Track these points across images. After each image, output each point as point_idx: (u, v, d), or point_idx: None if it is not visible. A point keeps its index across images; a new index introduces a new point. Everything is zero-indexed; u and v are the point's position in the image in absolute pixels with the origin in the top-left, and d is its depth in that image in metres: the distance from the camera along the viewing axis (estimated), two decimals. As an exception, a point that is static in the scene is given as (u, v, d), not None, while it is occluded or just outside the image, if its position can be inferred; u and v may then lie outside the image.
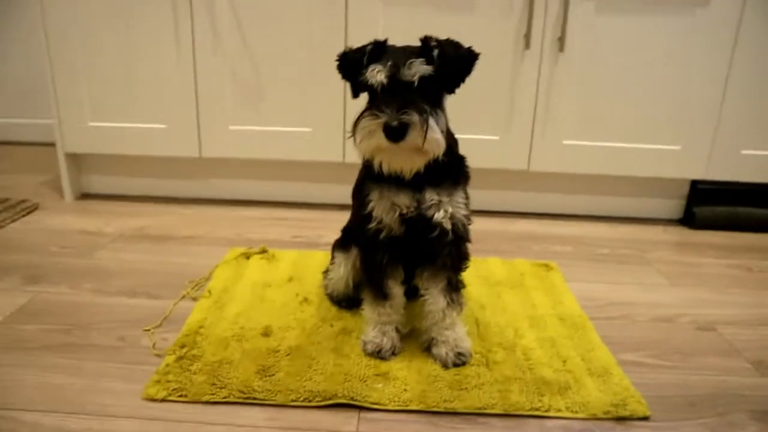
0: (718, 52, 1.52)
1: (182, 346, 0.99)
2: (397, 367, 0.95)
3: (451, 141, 0.96)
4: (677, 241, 1.59)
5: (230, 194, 1.76)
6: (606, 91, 1.56)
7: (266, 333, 1.04)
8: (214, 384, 0.89)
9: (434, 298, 0.99)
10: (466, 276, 1.26)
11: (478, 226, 1.65)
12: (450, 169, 0.95)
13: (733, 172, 1.63)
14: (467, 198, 1.00)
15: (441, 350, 0.98)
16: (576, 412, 0.86)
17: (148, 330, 1.06)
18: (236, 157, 1.66)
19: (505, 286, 1.25)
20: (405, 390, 0.89)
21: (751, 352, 1.06)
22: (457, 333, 0.99)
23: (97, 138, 1.65)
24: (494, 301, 1.18)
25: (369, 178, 0.96)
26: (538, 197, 1.72)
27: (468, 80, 1.55)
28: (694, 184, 1.69)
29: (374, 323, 1.01)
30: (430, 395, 0.88)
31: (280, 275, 1.26)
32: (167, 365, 0.93)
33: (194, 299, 1.17)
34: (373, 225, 0.95)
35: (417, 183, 0.93)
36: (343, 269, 1.09)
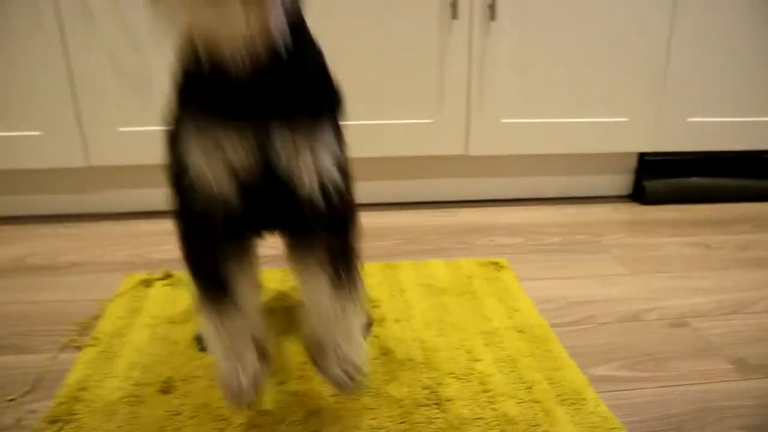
0: (658, 15, 1.40)
1: (54, 421, 0.77)
2: (327, 419, 0.77)
3: (309, 39, 0.65)
4: (630, 220, 1.48)
5: (127, 206, 1.51)
6: (544, 62, 1.41)
7: (166, 389, 0.83)
8: (91, 476, 0.68)
9: (313, 278, 0.68)
10: (407, 284, 1.11)
11: (415, 222, 1.50)
12: (309, 88, 0.62)
13: (681, 141, 1.53)
14: (341, 138, 0.67)
15: (331, 365, 0.69)
16: (550, 458, 0.71)
17: (13, 400, 0.83)
18: (131, 164, 1.42)
19: (452, 295, 1.08)
20: (341, 454, 0.72)
21: (730, 349, 0.95)
22: (355, 340, 0.69)
23: (-43, 152, 1.37)
24: (440, 316, 1.01)
25: (179, 105, 0.63)
26: (478, 183, 1.57)
27: (392, 57, 1.37)
28: (642, 157, 1.59)
29: (219, 347, 0.68)
30: (372, 457, 0.71)
31: (186, 305, 1.05)
32: (31, 454, 0.72)
33: (78, 348, 0.95)
34: (190, 190, 0.61)
35: (257, 114, 0.60)
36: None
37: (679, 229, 1.42)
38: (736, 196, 1.59)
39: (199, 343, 0.93)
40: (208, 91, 0.60)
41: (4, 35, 1.28)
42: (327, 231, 0.67)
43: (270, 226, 0.73)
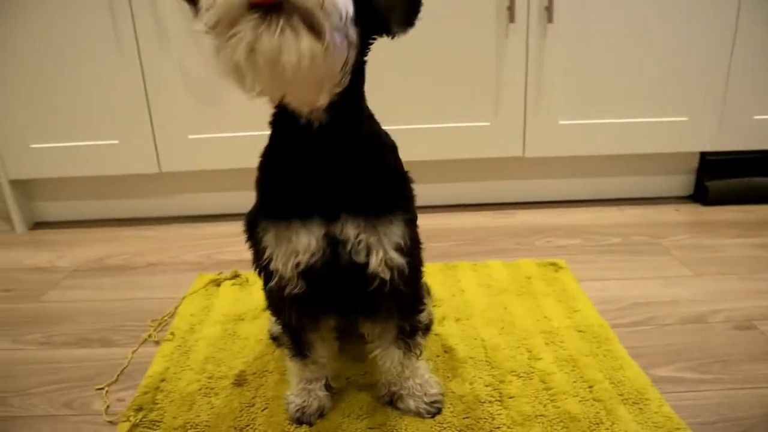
0: (722, 11, 1.37)
1: (139, 409, 0.83)
2: (394, 415, 0.80)
3: (383, 136, 0.71)
4: (692, 221, 1.45)
5: (198, 210, 1.59)
6: (602, 63, 1.40)
7: (239, 382, 0.88)
8: (175, 460, 0.74)
9: (385, 351, 0.78)
10: (466, 284, 1.13)
11: (473, 223, 1.51)
12: (381, 181, 0.68)
13: (745, 140, 1.49)
14: (411, 227, 0.71)
15: (410, 404, 0.79)
16: (613, 456, 0.72)
17: (101, 389, 0.90)
18: (200, 170, 1.49)
19: (511, 295, 1.10)
20: (407, 446, 0.74)
21: (800, 352, 0.93)
22: (422, 379, 0.80)
23: (43, 160, 1.47)
24: (500, 315, 1.03)
25: (260, 202, 0.71)
26: (536, 185, 1.57)
27: (450, 61, 1.39)
28: (704, 156, 1.55)
29: (298, 378, 0.80)
30: (437, 450, 0.74)
31: (254, 304, 1.10)
32: (121, 437, 0.78)
33: (157, 343, 1.01)
34: (274, 281, 0.69)
35: (328, 206, 0.66)
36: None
37: (743, 230, 1.38)
38: (805, 195, 1.53)
39: (275, 341, 0.97)
40: (284, 185, 0.67)
41: (86, 52, 1.38)
42: (391, 300, 0.73)
43: (342, 309, 0.80)
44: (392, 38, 0.61)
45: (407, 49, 1.36)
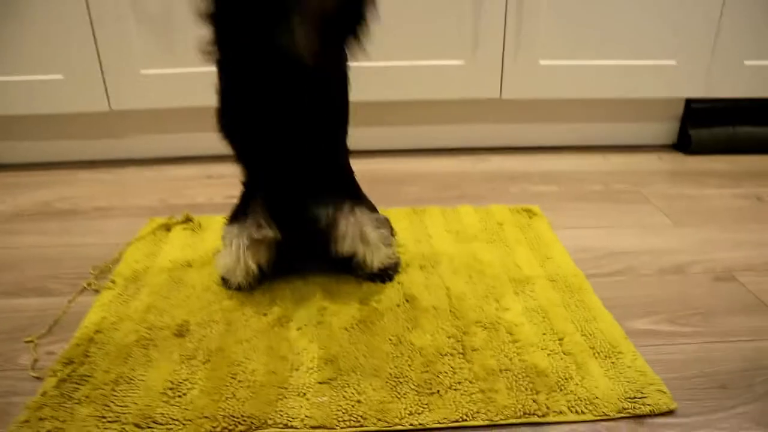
0: (717, -58, 1.27)
1: (68, 363, 0.75)
2: (345, 367, 0.73)
3: None
4: (675, 170, 1.39)
5: (153, 152, 1.48)
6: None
7: (181, 332, 0.81)
8: (102, 417, 0.66)
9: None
10: (434, 230, 1.07)
11: (445, 168, 1.43)
12: None
13: (734, 87, 1.41)
14: None
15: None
16: (581, 413, 0.66)
17: (30, 341, 0.82)
18: (154, 108, 1.38)
19: (481, 242, 1.03)
20: (358, 402, 0.68)
21: (782, 305, 0.87)
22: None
23: (-19, 96, 1.35)
24: (469, 263, 0.96)
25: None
26: (513, 129, 1.49)
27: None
28: (689, 104, 1.48)
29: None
30: (391, 407, 0.67)
31: (205, 250, 1.02)
32: (44, 394, 0.70)
33: (97, 291, 0.93)
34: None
35: None
36: (236, 252, 0.85)
37: (727, 180, 1.32)
38: (793, 145, 1.47)
39: (224, 283, 0.90)
40: None
41: (21, -28, 1.24)
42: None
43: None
44: None
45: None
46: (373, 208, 0.89)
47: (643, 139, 1.52)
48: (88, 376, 0.73)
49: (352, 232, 0.84)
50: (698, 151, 1.48)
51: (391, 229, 0.92)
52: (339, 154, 0.86)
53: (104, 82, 1.34)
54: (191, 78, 1.33)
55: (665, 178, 1.33)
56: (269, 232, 0.83)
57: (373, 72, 1.30)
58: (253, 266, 0.85)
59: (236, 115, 0.78)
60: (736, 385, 0.72)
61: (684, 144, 1.50)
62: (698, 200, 1.23)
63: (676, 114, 1.50)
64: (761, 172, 1.36)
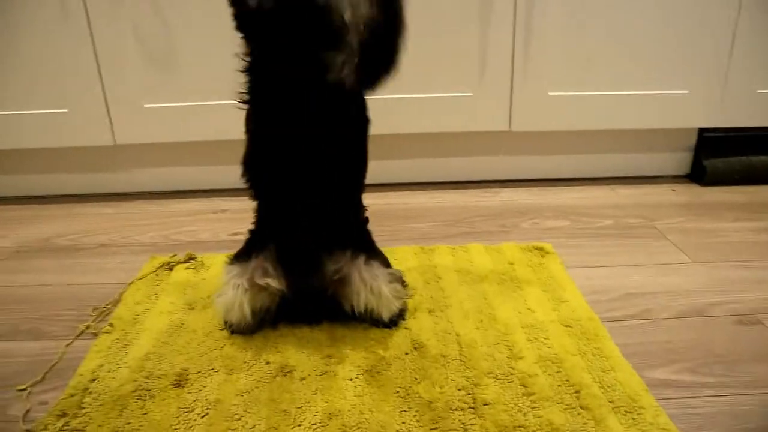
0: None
1: (61, 415, 0.72)
2: (350, 423, 0.69)
3: None
4: (689, 203, 1.35)
5: (157, 186, 1.47)
6: (597, 29, 1.28)
7: (179, 382, 0.77)
8: (93, 479, 0.63)
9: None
10: (443, 270, 1.04)
11: (454, 202, 1.40)
12: None
13: (747, 115, 1.38)
14: None
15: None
16: (602, 476, 0.62)
17: (23, 390, 0.79)
18: (158, 142, 1.37)
19: (492, 283, 0.99)
20: (364, 463, 0.64)
21: (809, 351, 0.83)
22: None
23: (-14, 130, 1.34)
24: (479, 306, 0.93)
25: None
26: (523, 161, 1.46)
27: (430, 25, 1.27)
28: (701, 133, 1.45)
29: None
30: (398, 468, 0.63)
31: (208, 291, 0.99)
32: (33, 451, 0.67)
33: (95, 335, 0.90)
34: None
35: None
36: (233, 292, 0.82)
37: (743, 213, 1.28)
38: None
39: (227, 326, 0.88)
40: None
41: (33, 17, 1.24)
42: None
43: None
44: None
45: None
46: (386, 263, 0.87)
47: (656, 170, 1.49)
48: (81, 430, 0.70)
49: (365, 288, 0.81)
50: (713, 181, 1.44)
51: (404, 282, 0.89)
52: (356, 208, 0.86)
53: (109, 115, 1.33)
54: (195, 112, 1.32)
55: (680, 211, 1.30)
56: (274, 282, 0.80)
57: (380, 104, 1.28)
58: (248, 314, 0.82)
59: (263, 159, 0.79)
60: (765, 442, 0.67)
61: (698, 174, 1.46)
62: (715, 235, 1.19)
63: (689, 144, 1.47)
64: (778, 205, 1.33)
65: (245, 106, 0.77)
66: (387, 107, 1.30)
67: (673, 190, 1.41)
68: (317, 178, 0.78)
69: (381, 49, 0.72)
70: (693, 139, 1.46)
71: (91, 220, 1.33)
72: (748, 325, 0.89)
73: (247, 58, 0.74)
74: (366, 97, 0.79)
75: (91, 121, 1.33)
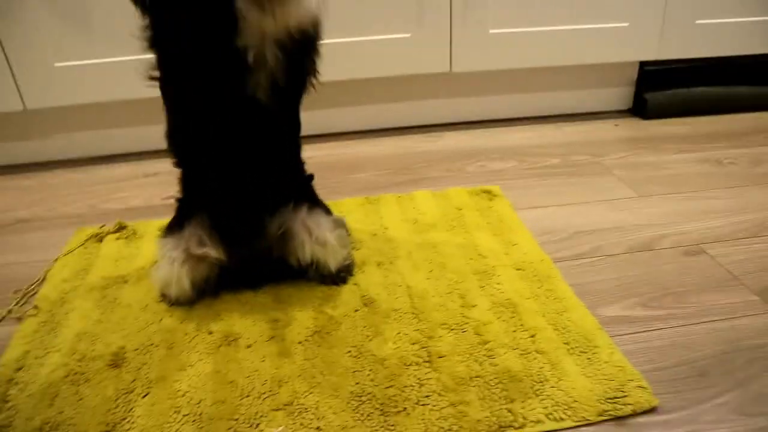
0: None
1: (-15, 410, 0.66)
2: (302, 389, 0.66)
3: None
4: (633, 137, 1.35)
5: (78, 152, 1.36)
6: (535, -40, 1.24)
7: (116, 362, 0.72)
8: (24, 476, 0.58)
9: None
10: (390, 220, 1.00)
11: (397, 149, 1.36)
12: None
13: (688, 47, 1.38)
14: None
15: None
16: (560, 419, 0.61)
17: (-60, 386, 0.72)
18: (74, 104, 1.26)
19: (441, 230, 0.97)
20: (318, 429, 0.61)
21: (752, 277, 0.84)
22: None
23: None
24: (429, 256, 0.90)
25: None
26: (465, 103, 1.42)
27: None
28: (642, 67, 1.44)
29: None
30: (354, 430, 0.61)
31: (141, 261, 0.93)
32: (-46, 453, 0.61)
33: (19, 319, 0.83)
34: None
35: None
36: (169, 266, 0.77)
37: (686, 145, 1.29)
38: (750, 105, 1.45)
39: (164, 299, 0.82)
40: None
41: None
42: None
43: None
44: None
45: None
46: (329, 211, 0.82)
47: (600, 105, 1.48)
48: (6, 426, 0.64)
49: (310, 238, 0.77)
50: (655, 114, 1.45)
51: (347, 229, 0.85)
52: (295, 165, 0.81)
53: (14, 78, 1.20)
54: (114, 68, 1.21)
55: (624, 146, 1.29)
56: (212, 251, 0.75)
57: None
58: (188, 286, 0.77)
59: (189, 134, 0.73)
60: (715, 371, 0.68)
61: (640, 108, 1.46)
62: (659, 167, 1.19)
63: (630, 78, 1.46)
64: (719, 134, 1.34)
65: (156, 83, 0.70)
66: (323, 53, 1.23)
67: (616, 125, 1.41)
68: (251, 144, 0.72)
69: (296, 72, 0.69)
70: (634, 73, 1.45)
71: (9, 194, 1.23)
72: (693, 256, 0.90)
73: (149, 32, 0.65)
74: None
75: (-4, 84, 1.20)
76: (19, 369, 0.72)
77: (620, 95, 1.48)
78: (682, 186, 1.11)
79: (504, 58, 1.32)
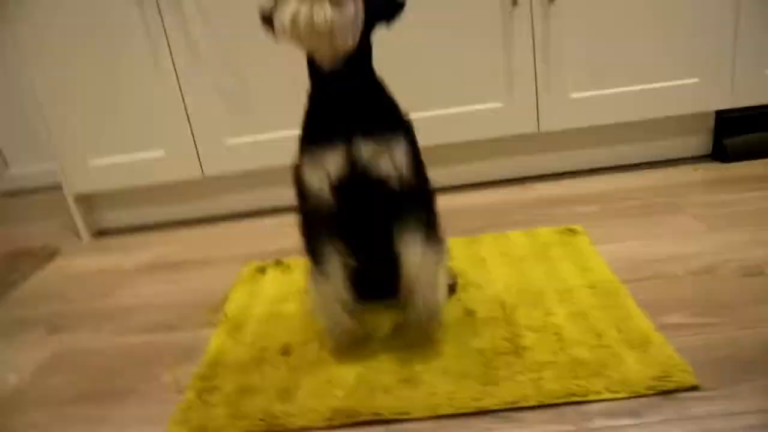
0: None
1: (202, 379, 0.96)
2: (420, 369, 0.90)
3: (387, 90, 0.91)
4: (710, 179, 1.49)
5: (241, 208, 1.73)
6: (608, 34, 1.46)
7: (286, 351, 1.00)
8: (234, 415, 0.86)
9: (405, 242, 0.89)
10: (487, 254, 1.22)
11: (495, 199, 1.59)
12: (384, 111, 0.89)
13: (758, 94, 1.51)
14: (412, 145, 0.90)
15: (416, 305, 0.91)
16: (616, 391, 0.80)
17: (170, 366, 1.04)
18: (238, 170, 1.63)
19: (530, 261, 1.18)
20: (432, 394, 0.85)
21: (806, 293, 0.98)
22: (433, 281, 0.91)
23: (101, 174, 1.64)
24: (519, 280, 1.12)
25: (300, 142, 0.90)
26: (553, 157, 1.64)
27: (461, 49, 1.47)
28: (719, 114, 1.58)
29: (317, 305, 0.96)
30: (458, 395, 0.83)
31: (296, 286, 1.22)
32: (188, 402, 0.91)
33: (214, 325, 1.14)
34: (310, 199, 0.88)
35: (347, 134, 0.85)
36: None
37: (760, 184, 1.41)
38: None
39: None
40: (316, 124, 0.88)
41: (128, 75, 1.53)
42: (410, 207, 0.90)
43: (362, 217, 0.93)
44: (387, 25, 0.85)
45: (422, 43, 1.45)
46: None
47: (680, 152, 1.62)
48: (219, 387, 0.93)
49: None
50: (734, 158, 1.57)
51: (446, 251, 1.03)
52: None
53: (197, 153, 1.60)
54: (266, 142, 1.57)
55: (700, 188, 1.44)
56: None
57: (423, 121, 1.49)
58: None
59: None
60: (757, 364, 0.83)
61: (720, 154, 1.59)
62: (731, 205, 1.32)
63: (708, 126, 1.60)
64: (795, 174, 1.45)
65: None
66: (429, 122, 1.51)
67: (695, 169, 1.56)
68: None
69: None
70: (711, 122, 1.60)
71: (190, 241, 1.60)
72: (751, 276, 1.03)
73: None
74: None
75: (183, 158, 1.60)
76: (220, 354, 1.02)
77: (699, 142, 1.62)
78: (752, 220, 1.24)
79: (585, 117, 1.53)
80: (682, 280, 1.06)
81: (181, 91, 1.54)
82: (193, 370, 1.00)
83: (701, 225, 1.25)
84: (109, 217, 1.77)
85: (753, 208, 1.30)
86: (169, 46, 1.49)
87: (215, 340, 1.07)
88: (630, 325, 0.93)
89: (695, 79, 1.49)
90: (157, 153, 1.61)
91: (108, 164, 1.62)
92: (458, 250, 1.26)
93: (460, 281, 1.12)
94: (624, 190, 1.49)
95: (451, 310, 1.04)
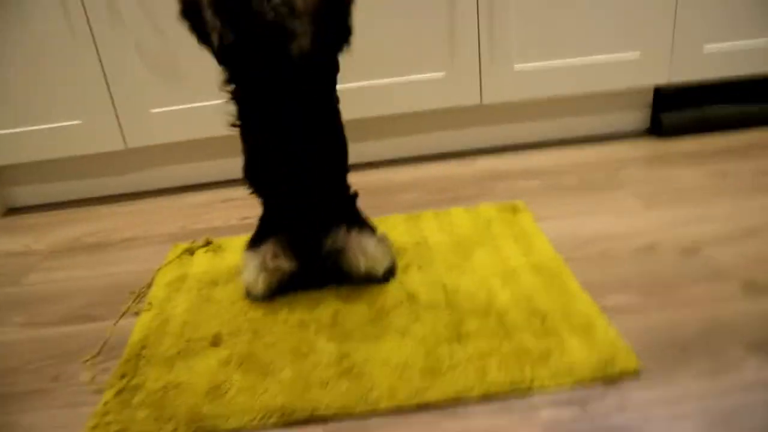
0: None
1: (122, 376, 0.88)
2: (360, 361, 0.86)
3: None
4: (648, 155, 1.50)
5: (168, 182, 1.62)
6: (553, 4, 1.42)
7: (215, 342, 0.93)
8: (158, 418, 0.79)
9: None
10: (429, 232, 1.19)
11: (435, 173, 1.55)
12: None
13: (697, 71, 1.52)
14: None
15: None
16: (562, 381, 0.78)
17: (87, 361, 0.95)
18: (165, 141, 1.51)
19: (472, 240, 1.15)
20: (371, 388, 0.80)
21: (740, 272, 0.99)
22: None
23: (10, 145, 1.48)
24: (461, 262, 1.08)
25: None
26: (496, 130, 1.61)
27: (400, 16, 1.40)
28: (657, 90, 1.59)
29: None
30: (400, 389, 0.79)
31: (227, 269, 1.15)
32: (105, 403, 0.83)
33: (136, 314, 1.06)
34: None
35: None
36: (252, 273, 1.00)
37: (696, 159, 1.43)
38: (757, 121, 1.58)
39: (248, 296, 1.04)
40: None
41: (42, 42, 1.37)
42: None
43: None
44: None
45: (358, 8, 1.36)
46: (374, 230, 1.03)
47: (618, 128, 1.63)
48: (141, 385, 0.86)
49: (360, 254, 0.98)
50: (670, 133, 1.59)
51: (389, 242, 1.06)
52: (345, 189, 1.02)
53: (119, 122, 1.47)
54: (195, 112, 1.46)
55: (639, 164, 1.45)
56: (283, 263, 0.97)
57: (363, 91, 1.43)
58: (265, 288, 1.01)
59: (262, 168, 0.95)
60: (695, 346, 0.83)
61: (657, 128, 1.61)
62: (669, 181, 1.34)
63: (646, 101, 1.61)
64: (727, 149, 1.47)
65: (236, 129, 0.94)
66: (369, 92, 1.44)
67: (633, 144, 1.56)
68: (310, 176, 0.94)
69: (334, 19, 0.90)
70: (650, 97, 1.61)
71: (113, 219, 1.49)
72: (689, 255, 1.04)
73: (229, 87, 0.91)
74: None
75: (103, 129, 1.47)
76: (143, 348, 0.94)
77: (638, 117, 1.63)
78: (688, 197, 1.25)
79: (529, 89, 1.50)
80: (622, 259, 1.06)
81: (99, 55, 1.40)
82: (113, 366, 0.92)
83: (640, 202, 1.26)
84: (20, 194, 1.62)
85: (687, 185, 1.32)
86: (83, 4, 1.35)
87: (138, 331, 0.99)
88: (573, 307, 0.92)
89: (637, 53, 1.48)
90: (74, 122, 1.47)
91: (18, 133, 1.47)
92: (399, 227, 1.22)
93: (398, 263, 1.07)
94: (563, 164, 1.48)
95: (391, 294, 1.00)
